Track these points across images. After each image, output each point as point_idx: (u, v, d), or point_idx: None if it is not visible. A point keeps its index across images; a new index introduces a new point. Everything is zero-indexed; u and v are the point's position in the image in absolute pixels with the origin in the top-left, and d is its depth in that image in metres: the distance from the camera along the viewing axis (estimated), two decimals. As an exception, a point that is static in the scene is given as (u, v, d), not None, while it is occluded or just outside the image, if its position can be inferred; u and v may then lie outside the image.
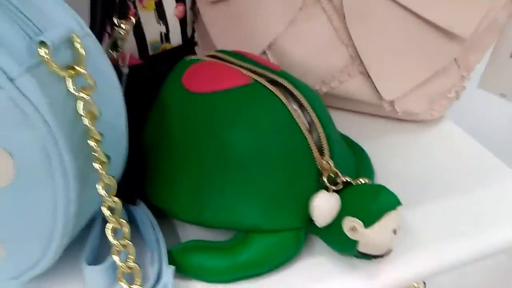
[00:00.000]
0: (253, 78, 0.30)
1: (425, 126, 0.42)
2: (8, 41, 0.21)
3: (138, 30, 0.42)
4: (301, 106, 0.30)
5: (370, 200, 0.28)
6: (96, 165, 0.24)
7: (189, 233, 0.32)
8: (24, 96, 0.21)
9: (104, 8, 0.37)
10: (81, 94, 0.23)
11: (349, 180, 0.29)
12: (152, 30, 0.43)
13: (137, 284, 0.26)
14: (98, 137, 0.24)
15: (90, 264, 0.27)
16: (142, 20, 0.42)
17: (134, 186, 0.32)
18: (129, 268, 0.26)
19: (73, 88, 0.23)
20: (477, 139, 0.42)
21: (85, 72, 0.23)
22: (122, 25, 0.38)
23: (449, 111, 0.43)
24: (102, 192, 0.25)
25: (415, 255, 0.31)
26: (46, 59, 0.21)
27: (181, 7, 0.43)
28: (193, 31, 0.47)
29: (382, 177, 0.37)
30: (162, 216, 0.31)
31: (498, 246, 0.33)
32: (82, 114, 0.23)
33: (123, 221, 0.26)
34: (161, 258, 0.28)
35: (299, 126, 0.29)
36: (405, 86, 0.38)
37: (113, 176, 0.25)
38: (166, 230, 0.32)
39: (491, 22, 0.37)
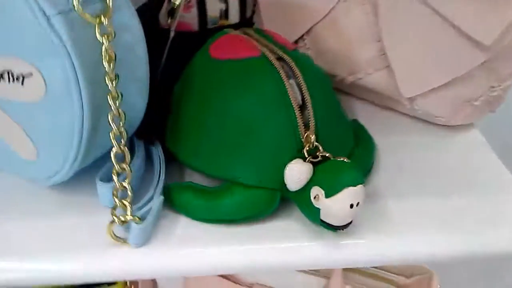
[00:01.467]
0: (262, 52, 0.34)
1: (448, 131, 0.43)
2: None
3: (201, 5, 0.48)
4: (298, 83, 0.33)
5: (336, 174, 0.30)
6: (110, 100, 0.30)
7: (192, 178, 0.37)
8: (55, 31, 0.27)
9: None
10: (104, 40, 0.29)
11: (327, 155, 0.32)
12: (213, 7, 0.48)
13: (127, 201, 0.31)
14: (113, 77, 0.30)
15: (102, 181, 0.34)
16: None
17: (154, 130, 0.38)
18: (123, 187, 0.32)
19: (98, 33, 0.29)
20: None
21: (107, 21, 0.29)
22: None
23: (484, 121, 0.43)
24: (112, 123, 0.31)
25: (384, 236, 0.33)
26: (77, 7, 0.28)
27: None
28: (253, 12, 0.52)
29: (386, 170, 0.39)
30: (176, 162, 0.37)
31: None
32: (110, 56, 0.30)
33: (126, 149, 0.32)
34: (157, 188, 0.34)
35: (290, 100, 0.33)
36: (424, 86, 0.39)
37: (124, 112, 0.31)
38: (176, 173, 0.37)
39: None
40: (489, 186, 0.38)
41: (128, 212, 0.31)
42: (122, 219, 0.31)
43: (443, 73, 0.39)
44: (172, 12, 0.44)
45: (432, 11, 0.37)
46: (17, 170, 0.36)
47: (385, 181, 0.38)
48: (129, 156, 0.32)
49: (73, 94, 0.29)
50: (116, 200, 0.31)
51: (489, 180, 0.38)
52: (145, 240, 0.32)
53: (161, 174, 0.35)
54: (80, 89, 0.29)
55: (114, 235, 0.32)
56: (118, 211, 0.31)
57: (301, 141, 0.33)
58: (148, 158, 0.37)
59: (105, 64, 0.30)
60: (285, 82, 0.33)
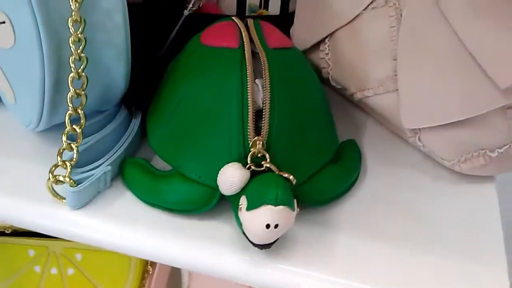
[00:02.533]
0: (240, 45, 0.32)
1: (458, 176, 0.37)
2: None
3: (241, -10, 0.47)
4: (263, 85, 0.31)
5: (261, 189, 0.28)
6: (71, 63, 0.31)
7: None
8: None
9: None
10: (72, 3, 0.29)
11: (271, 167, 0.30)
12: (253, -6, 0.47)
13: (69, 162, 0.32)
14: (76, 39, 0.30)
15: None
16: (248, -20, 0.46)
17: (135, 101, 0.38)
18: (71, 148, 0.32)
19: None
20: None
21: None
22: None
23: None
24: (70, 84, 0.31)
25: (317, 272, 0.30)
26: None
27: (286, -21, 0.46)
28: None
29: (361, 199, 0.35)
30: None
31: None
32: (77, 19, 0.30)
33: (82, 112, 0.32)
34: (109, 158, 0.34)
35: (248, 100, 0.30)
36: (429, 120, 0.34)
37: (86, 76, 0.32)
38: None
39: None
40: (471, 253, 0.32)
41: (66, 174, 0.32)
42: (59, 178, 0.32)
43: (452, 110, 0.33)
44: (196, -8, 0.44)
45: (457, 40, 0.32)
46: (9, 109, 0.38)
47: (352, 212, 0.34)
48: (84, 120, 0.33)
49: (36, 50, 0.30)
50: (59, 159, 0.32)
51: (474, 248, 0.32)
52: (80, 203, 0.33)
53: (121, 146, 0.35)
54: (42, 47, 0.30)
55: (54, 191, 0.33)
56: (60, 170, 0.32)
57: (248, 146, 0.30)
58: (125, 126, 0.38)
59: (70, 26, 0.30)
60: (248, 81, 0.31)
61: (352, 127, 0.42)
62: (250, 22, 0.36)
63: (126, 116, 0.38)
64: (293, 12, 0.49)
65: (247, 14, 0.48)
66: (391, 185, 0.37)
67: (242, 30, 0.34)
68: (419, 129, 0.35)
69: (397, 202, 0.35)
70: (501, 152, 0.34)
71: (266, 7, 0.48)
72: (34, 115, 0.34)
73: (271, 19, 0.49)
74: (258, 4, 0.48)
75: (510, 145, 0.34)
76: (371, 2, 0.37)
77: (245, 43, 0.33)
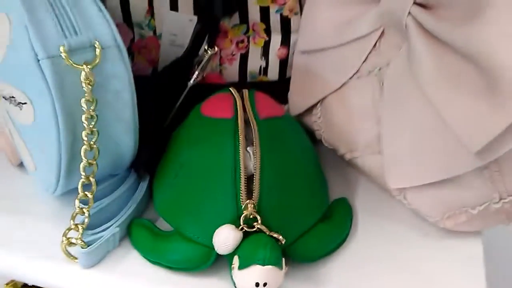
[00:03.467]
0: (234, 116, 0.36)
1: (446, 234, 0.39)
2: (47, 32, 0.33)
3: (243, 60, 0.51)
4: (254, 152, 0.34)
5: (252, 249, 0.31)
6: (84, 136, 0.35)
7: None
8: (42, 74, 0.33)
9: (199, 38, 0.47)
10: (85, 86, 0.34)
11: (262, 228, 0.32)
12: (255, 63, 0.51)
13: (81, 225, 0.35)
14: (89, 116, 0.34)
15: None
16: (249, 52, 0.51)
17: (143, 166, 0.42)
18: (82, 212, 0.36)
19: (81, 78, 0.34)
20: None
21: (88, 70, 0.33)
22: (209, 51, 0.48)
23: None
24: (83, 155, 0.35)
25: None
26: (63, 54, 0.33)
27: (284, 50, 0.50)
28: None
29: (363, 255, 0.37)
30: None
31: None
32: (89, 99, 0.34)
33: (93, 180, 0.36)
34: (118, 220, 0.37)
35: (240, 167, 0.34)
36: (411, 180, 0.37)
37: (98, 148, 0.36)
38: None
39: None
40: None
41: (78, 236, 0.35)
42: (71, 241, 0.35)
43: (430, 171, 0.36)
44: (199, 63, 0.48)
45: (427, 100, 0.35)
46: (30, 174, 0.42)
47: (343, 267, 0.36)
48: (95, 186, 0.36)
49: (53, 127, 0.34)
50: (72, 222, 0.36)
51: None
52: (91, 263, 0.36)
53: (129, 208, 0.38)
54: (58, 124, 0.34)
55: (67, 252, 0.36)
56: (73, 233, 0.36)
57: (241, 209, 0.33)
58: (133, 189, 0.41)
59: (83, 105, 0.34)
60: (240, 150, 0.34)
61: (346, 184, 0.45)
62: (246, 93, 0.40)
63: (135, 180, 0.42)
64: (290, 78, 0.53)
65: (248, 80, 0.53)
66: (381, 241, 0.39)
67: (237, 101, 0.38)
68: (403, 188, 0.38)
69: (387, 257, 0.37)
70: (482, 210, 0.36)
71: (266, 73, 0.52)
72: (52, 182, 0.38)
73: (270, 84, 0.53)
74: (258, 71, 0.52)
75: (489, 203, 0.36)
76: (356, 72, 0.41)
77: (238, 114, 0.36)
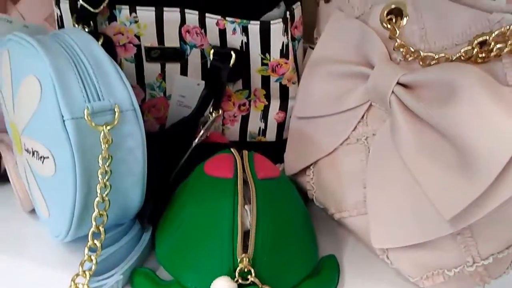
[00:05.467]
0: (234, 176, 0.40)
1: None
2: (73, 95, 0.37)
3: (244, 121, 0.56)
4: (251, 210, 0.38)
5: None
6: (98, 189, 0.39)
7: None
8: (66, 133, 0.37)
9: (206, 101, 0.52)
10: (102, 144, 0.38)
11: (255, 281, 0.36)
12: (254, 124, 0.56)
13: (89, 272, 0.38)
14: (104, 171, 0.38)
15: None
16: (250, 115, 0.55)
17: (146, 217, 0.45)
18: (90, 260, 0.39)
19: (100, 138, 0.38)
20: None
21: (107, 131, 0.38)
22: (214, 114, 0.53)
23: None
24: (96, 206, 0.39)
25: None
26: (86, 116, 0.37)
27: (282, 114, 0.55)
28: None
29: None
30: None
31: None
32: (106, 156, 0.38)
33: (102, 229, 0.39)
34: (121, 268, 0.40)
35: (237, 224, 0.37)
36: (393, 242, 0.40)
37: (109, 200, 0.39)
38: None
39: (503, 213, 0.36)
40: None
41: (85, 282, 0.38)
42: (78, 286, 0.38)
43: (411, 233, 0.39)
44: (204, 123, 0.53)
45: (407, 169, 0.39)
46: (42, 221, 0.46)
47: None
48: (104, 235, 0.40)
49: (71, 180, 0.38)
50: (80, 269, 0.39)
51: None
52: (95, 307, 0.39)
53: (132, 257, 0.42)
54: (76, 178, 0.38)
55: (73, 296, 0.39)
56: (80, 278, 0.39)
57: (237, 262, 0.36)
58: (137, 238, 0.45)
59: (100, 161, 0.38)
60: (239, 208, 0.38)
61: (335, 241, 0.48)
62: (245, 154, 0.44)
63: (138, 230, 0.45)
64: (287, 139, 0.57)
65: (248, 139, 0.57)
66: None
67: (237, 162, 0.42)
68: (386, 248, 0.41)
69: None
70: (458, 272, 0.39)
71: (264, 134, 0.57)
72: (63, 229, 0.41)
73: (268, 144, 0.57)
74: (257, 132, 0.56)
75: (464, 266, 0.39)
76: (346, 139, 0.45)
77: (238, 175, 0.40)
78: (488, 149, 0.34)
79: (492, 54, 0.38)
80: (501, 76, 0.37)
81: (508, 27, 0.37)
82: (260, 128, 0.56)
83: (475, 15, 0.39)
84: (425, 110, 0.38)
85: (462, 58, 0.39)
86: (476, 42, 0.38)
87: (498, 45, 0.37)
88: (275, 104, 0.55)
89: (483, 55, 0.38)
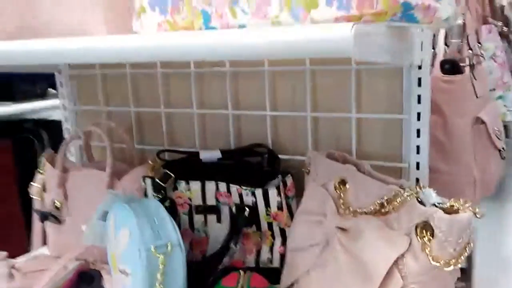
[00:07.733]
0: (236, 285, 0.66)
1: None
2: (146, 237, 0.67)
3: (258, 253, 0.82)
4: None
5: None
6: (157, 293, 0.66)
7: None
8: (141, 259, 0.66)
9: (229, 240, 0.80)
10: (160, 266, 0.66)
11: None
12: (265, 255, 0.82)
13: None
14: (160, 283, 0.66)
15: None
16: (262, 249, 0.82)
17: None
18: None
19: (160, 262, 0.66)
20: None
21: (162, 258, 0.66)
22: (234, 247, 0.80)
23: None
24: (155, 303, 0.66)
25: None
26: (153, 251, 0.67)
27: (282, 248, 0.81)
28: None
29: None
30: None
31: None
32: (161, 273, 0.66)
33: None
34: None
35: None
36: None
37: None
38: None
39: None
40: None
41: None
42: None
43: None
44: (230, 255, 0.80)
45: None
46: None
47: None
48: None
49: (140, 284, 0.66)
50: None
51: None
52: None
53: None
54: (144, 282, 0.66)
55: None
56: None
57: None
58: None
59: (159, 277, 0.66)
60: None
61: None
62: (248, 272, 0.70)
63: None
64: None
65: (260, 266, 0.83)
66: None
67: (241, 279, 0.68)
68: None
69: None
70: None
71: (271, 262, 0.82)
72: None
73: (274, 269, 0.82)
74: (266, 261, 0.82)
75: None
76: (313, 265, 0.70)
77: (239, 284, 0.66)
78: (376, 266, 0.58)
79: (387, 210, 0.63)
80: (391, 224, 0.62)
81: (397, 197, 0.63)
82: (268, 258, 0.82)
83: (381, 187, 0.65)
84: (349, 243, 0.63)
85: (372, 212, 0.65)
86: (377, 203, 0.64)
87: (390, 206, 0.63)
88: (278, 241, 0.81)
89: (383, 211, 0.64)
